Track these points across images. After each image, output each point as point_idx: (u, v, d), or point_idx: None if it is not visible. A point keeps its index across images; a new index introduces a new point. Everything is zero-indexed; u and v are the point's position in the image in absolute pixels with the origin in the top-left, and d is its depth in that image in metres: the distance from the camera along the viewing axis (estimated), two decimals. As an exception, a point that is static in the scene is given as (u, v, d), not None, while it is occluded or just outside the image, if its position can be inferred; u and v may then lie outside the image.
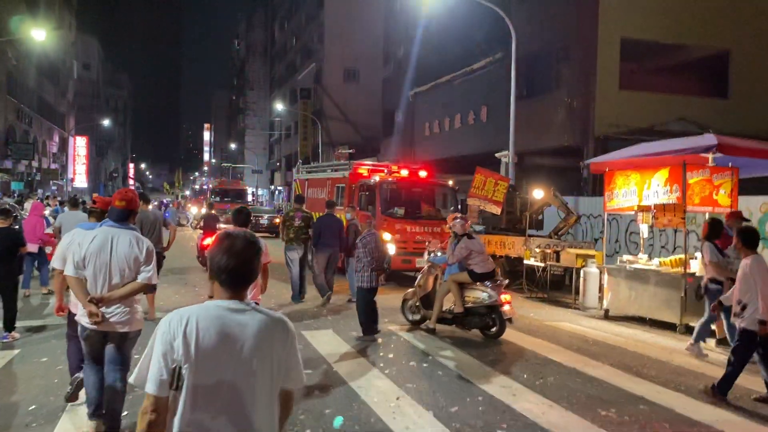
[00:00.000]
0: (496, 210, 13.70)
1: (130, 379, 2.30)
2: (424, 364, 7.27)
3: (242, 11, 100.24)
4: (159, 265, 8.64)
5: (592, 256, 11.78)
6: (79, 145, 64.33)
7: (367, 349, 7.96)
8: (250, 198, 44.30)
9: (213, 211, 16.38)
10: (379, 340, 8.41)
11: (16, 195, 30.13)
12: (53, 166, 52.53)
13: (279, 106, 55.36)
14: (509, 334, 8.92)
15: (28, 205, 14.43)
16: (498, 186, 13.50)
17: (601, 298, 11.27)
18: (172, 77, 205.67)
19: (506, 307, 8.43)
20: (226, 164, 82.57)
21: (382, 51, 40.64)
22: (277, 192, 69.32)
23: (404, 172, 14.83)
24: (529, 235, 13.73)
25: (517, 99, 22.15)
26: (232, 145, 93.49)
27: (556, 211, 14.29)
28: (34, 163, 44.53)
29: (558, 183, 17.41)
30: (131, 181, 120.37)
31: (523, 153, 21.41)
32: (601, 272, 11.37)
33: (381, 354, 7.68)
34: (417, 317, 9.24)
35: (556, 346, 8.38)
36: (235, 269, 2.23)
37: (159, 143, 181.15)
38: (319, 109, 49.77)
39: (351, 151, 17.71)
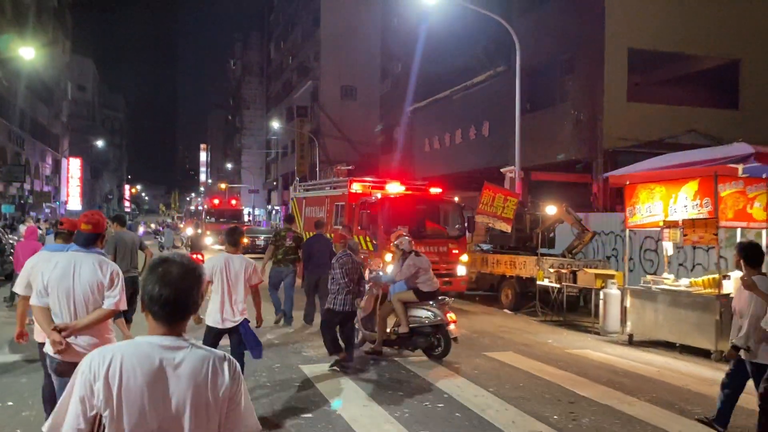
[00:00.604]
0: (506, 228, 12.93)
1: (43, 428, 1.98)
2: (439, 405, 6.41)
3: (238, 31, 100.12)
4: (136, 290, 7.98)
5: (612, 276, 10.96)
6: (73, 166, 63.56)
7: (370, 383, 7.10)
8: (246, 218, 43.43)
9: (199, 230, 15.63)
10: (376, 374, 7.56)
11: (5, 219, 29.30)
12: (46, 188, 51.69)
13: (275, 125, 54.76)
14: (530, 365, 8.10)
15: (23, 228, 13.81)
16: (507, 202, 12.73)
17: (623, 322, 10.44)
18: (168, 98, 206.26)
19: (452, 326, 8.18)
20: (222, 185, 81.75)
21: (379, 68, 40.14)
22: (274, 212, 68.56)
23: (398, 188, 14.05)
24: (542, 254, 12.93)
25: (521, 113, 21.52)
26: (229, 165, 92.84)
27: (570, 228, 13.51)
28: (26, 186, 43.70)
29: (566, 199, 16.68)
30: (127, 203, 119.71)
31: (528, 168, 20.70)
32: (622, 294, 10.56)
33: (389, 392, 6.81)
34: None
35: (584, 379, 7.54)
36: (170, 300, 1.95)
37: (155, 165, 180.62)
38: (317, 127, 49.18)
39: (350, 167, 16.90)
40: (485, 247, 15.35)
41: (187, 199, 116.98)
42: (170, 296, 1.95)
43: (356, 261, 7.80)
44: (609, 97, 18.29)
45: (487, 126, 24.54)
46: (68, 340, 4.07)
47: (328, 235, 11.46)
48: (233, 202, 39.41)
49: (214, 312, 5.96)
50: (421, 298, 8.36)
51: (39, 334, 4.60)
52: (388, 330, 8.47)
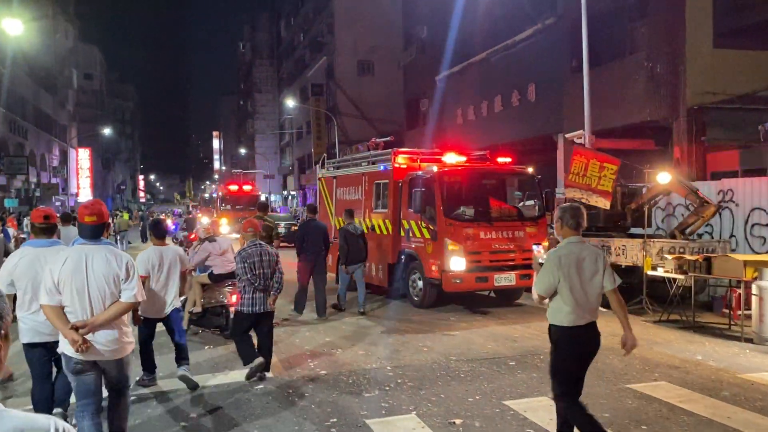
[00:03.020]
0: (605, 203, 10.13)
1: None
2: None
3: (246, 13, 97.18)
4: None
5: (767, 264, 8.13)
6: (82, 157, 61.28)
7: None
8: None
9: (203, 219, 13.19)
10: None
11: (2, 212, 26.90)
12: (54, 180, 49.45)
13: (290, 103, 51.78)
14: (710, 407, 5.34)
15: (26, 221, 11.93)
16: (605, 170, 9.91)
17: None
18: (179, 86, 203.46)
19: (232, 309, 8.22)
20: (236, 170, 79.35)
21: (398, 39, 37.03)
22: (290, 197, 66.13)
23: (457, 159, 11.27)
24: (649, 236, 10.12)
25: (578, 70, 18.51)
26: (242, 151, 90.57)
27: (664, 204, 10.66)
28: (32, 179, 41.41)
29: (634, 169, 13.87)
30: (141, 193, 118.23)
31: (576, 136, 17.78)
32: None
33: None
34: None
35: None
36: None
37: (168, 154, 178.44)
38: (333, 106, 46.29)
39: (389, 138, 14.10)
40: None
41: (202, 187, 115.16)
42: None
43: (269, 252, 6.70)
44: (691, 43, 15.27)
45: (533, 89, 21.57)
46: (86, 337, 3.93)
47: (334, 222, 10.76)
48: (247, 187, 36.57)
49: (152, 303, 6.09)
50: (214, 280, 8.69)
51: (26, 335, 4.58)
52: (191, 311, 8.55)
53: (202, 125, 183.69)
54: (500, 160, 11.38)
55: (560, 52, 19.99)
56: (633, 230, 11.71)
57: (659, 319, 9.45)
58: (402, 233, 11.11)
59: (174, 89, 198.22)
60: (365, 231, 12.23)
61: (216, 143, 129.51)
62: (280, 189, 72.36)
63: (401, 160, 11.41)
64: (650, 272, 9.64)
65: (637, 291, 10.52)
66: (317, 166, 15.18)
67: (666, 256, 9.38)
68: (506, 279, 10.18)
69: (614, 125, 17.05)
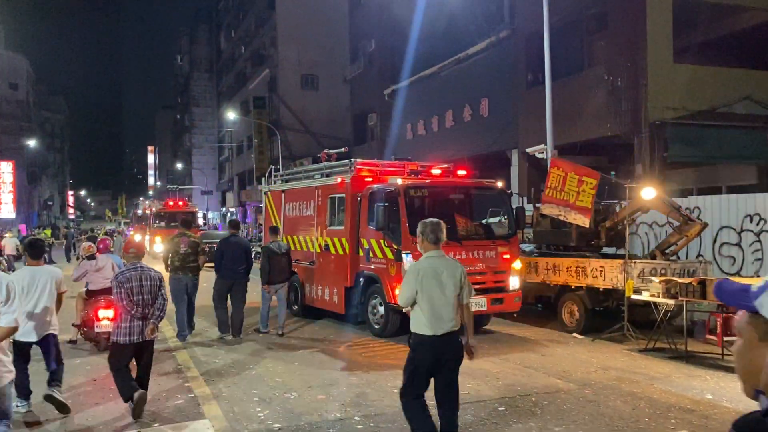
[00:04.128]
0: (584, 221, 9.30)
1: None
2: None
3: (184, 25, 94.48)
4: None
5: None
6: (4, 171, 57.44)
7: None
8: (201, 221, 38.86)
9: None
10: None
11: None
12: (-29, 195, 45.94)
13: (231, 115, 49.95)
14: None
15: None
16: (583, 185, 9.09)
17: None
18: (112, 100, 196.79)
19: (104, 322, 8.39)
20: (171, 186, 76.44)
21: (343, 53, 36.15)
22: (229, 214, 63.98)
23: (434, 172, 10.32)
24: (630, 257, 9.35)
25: (534, 84, 18.03)
26: (179, 165, 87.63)
27: (635, 223, 9.97)
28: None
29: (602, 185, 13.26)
30: (71, 210, 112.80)
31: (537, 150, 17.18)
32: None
33: None
34: None
35: None
36: None
37: (100, 169, 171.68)
38: (276, 120, 44.85)
39: (343, 150, 13.00)
40: (526, 247, 11.69)
41: (135, 203, 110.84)
42: None
43: (150, 276, 6.09)
44: (652, 56, 14.88)
45: (486, 104, 20.96)
46: None
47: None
48: (190, 203, 34.67)
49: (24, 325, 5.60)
50: (89, 296, 9.04)
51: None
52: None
53: (136, 140, 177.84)
54: (459, 173, 10.45)
55: (514, 66, 19.44)
56: (605, 250, 10.99)
57: (646, 347, 8.64)
58: (360, 253, 9.99)
59: (107, 102, 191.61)
60: (318, 251, 11.08)
61: (151, 158, 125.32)
62: (218, 206, 70.00)
63: (362, 173, 10.31)
64: (633, 296, 8.85)
65: (613, 314, 9.75)
66: (264, 178, 13.90)
67: (652, 278, 8.60)
68: (477, 304, 9.16)
69: (575, 140, 16.47)
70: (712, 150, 15.10)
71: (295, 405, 6.22)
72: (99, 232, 25.34)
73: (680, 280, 8.16)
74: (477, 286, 9.27)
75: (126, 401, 5.79)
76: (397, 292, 9.07)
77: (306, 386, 6.91)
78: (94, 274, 9.08)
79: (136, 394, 5.69)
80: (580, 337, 9.71)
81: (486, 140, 20.64)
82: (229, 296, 9.97)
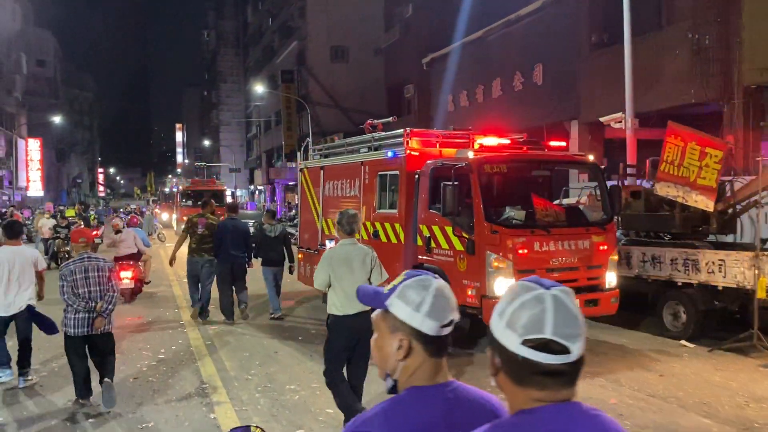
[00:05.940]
0: (707, 204, 7.42)
1: None
2: None
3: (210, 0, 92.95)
4: None
5: None
6: (32, 148, 56.67)
7: None
8: (229, 199, 37.55)
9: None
10: None
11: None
12: (-1, 172, 45.34)
13: (259, 89, 48.23)
14: None
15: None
16: (706, 159, 7.20)
17: None
18: (141, 77, 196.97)
19: None
20: (199, 164, 75.45)
21: (375, 24, 34.28)
22: (257, 192, 62.77)
23: (498, 141, 8.49)
24: (764, 250, 7.46)
25: (599, 46, 16.01)
26: (206, 143, 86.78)
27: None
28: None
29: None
30: (100, 188, 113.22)
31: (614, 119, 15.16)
32: None
33: None
34: None
35: None
36: None
37: (130, 146, 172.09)
38: (305, 95, 43.10)
39: (391, 120, 11.17)
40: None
41: (163, 181, 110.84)
42: None
43: (98, 267, 5.87)
44: (749, 10, 12.74)
45: (540, 71, 18.94)
46: None
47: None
48: (218, 180, 33.28)
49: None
50: (116, 260, 10.81)
51: None
52: None
53: (165, 117, 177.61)
54: (552, 143, 8.61)
55: (575, 27, 17.36)
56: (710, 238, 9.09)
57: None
58: (419, 242, 8.24)
59: (136, 80, 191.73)
60: (365, 238, 9.37)
61: (179, 136, 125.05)
62: (246, 184, 68.86)
63: (416, 145, 8.54)
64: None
65: (733, 319, 7.93)
66: (299, 153, 12.24)
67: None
68: (567, 307, 7.41)
69: (647, 109, 14.43)
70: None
71: None
72: (113, 216, 24.38)
73: None
74: (569, 285, 7.49)
75: (80, 399, 5.74)
76: (469, 291, 7.41)
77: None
78: (119, 244, 12.10)
79: (90, 398, 5.80)
80: (690, 345, 7.90)
81: (541, 111, 18.65)
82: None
